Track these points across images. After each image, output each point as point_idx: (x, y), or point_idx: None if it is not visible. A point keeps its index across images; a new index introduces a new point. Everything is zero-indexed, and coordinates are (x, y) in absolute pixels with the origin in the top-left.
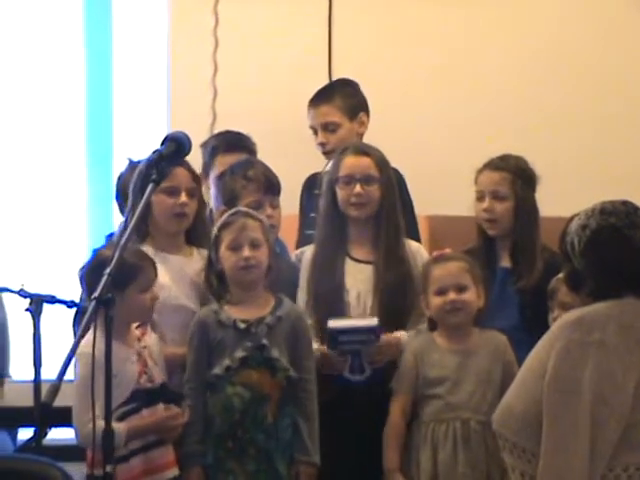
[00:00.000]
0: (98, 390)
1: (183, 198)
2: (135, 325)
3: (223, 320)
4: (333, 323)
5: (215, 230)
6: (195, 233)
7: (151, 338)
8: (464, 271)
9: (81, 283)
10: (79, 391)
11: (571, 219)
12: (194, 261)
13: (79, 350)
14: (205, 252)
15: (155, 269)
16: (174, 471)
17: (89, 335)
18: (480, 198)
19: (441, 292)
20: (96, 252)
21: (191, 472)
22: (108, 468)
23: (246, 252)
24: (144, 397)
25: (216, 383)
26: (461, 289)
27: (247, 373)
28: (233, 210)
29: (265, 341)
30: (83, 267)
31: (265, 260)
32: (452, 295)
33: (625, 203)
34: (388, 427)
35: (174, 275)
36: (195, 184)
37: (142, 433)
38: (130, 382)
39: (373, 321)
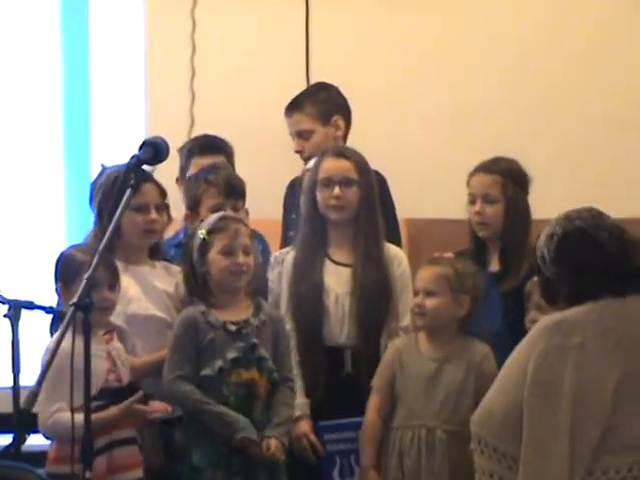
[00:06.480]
0: (65, 384)
1: (153, 215)
2: (102, 332)
3: (212, 321)
4: (321, 423)
5: (202, 234)
6: (156, 246)
7: (117, 344)
8: (439, 277)
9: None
10: (45, 384)
11: (539, 235)
12: (158, 272)
13: (47, 345)
14: (165, 264)
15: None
16: (139, 472)
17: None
18: (472, 201)
19: (415, 294)
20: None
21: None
22: (87, 474)
23: (240, 258)
24: (112, 396)
25: (203, 384)
26: (429, 294)
27: (237, 373)
28: (220, 215)
29: (256, 340)
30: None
31: (252, 266)
32: (417, 299)
33: (590, 209)
34: (365, 425)
35: (143, 287)
36: (163, 200)
37: (107, 422)
38: (99, 378)
39: (358, 418)
